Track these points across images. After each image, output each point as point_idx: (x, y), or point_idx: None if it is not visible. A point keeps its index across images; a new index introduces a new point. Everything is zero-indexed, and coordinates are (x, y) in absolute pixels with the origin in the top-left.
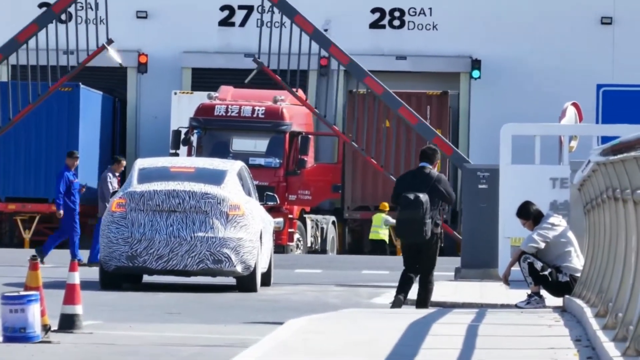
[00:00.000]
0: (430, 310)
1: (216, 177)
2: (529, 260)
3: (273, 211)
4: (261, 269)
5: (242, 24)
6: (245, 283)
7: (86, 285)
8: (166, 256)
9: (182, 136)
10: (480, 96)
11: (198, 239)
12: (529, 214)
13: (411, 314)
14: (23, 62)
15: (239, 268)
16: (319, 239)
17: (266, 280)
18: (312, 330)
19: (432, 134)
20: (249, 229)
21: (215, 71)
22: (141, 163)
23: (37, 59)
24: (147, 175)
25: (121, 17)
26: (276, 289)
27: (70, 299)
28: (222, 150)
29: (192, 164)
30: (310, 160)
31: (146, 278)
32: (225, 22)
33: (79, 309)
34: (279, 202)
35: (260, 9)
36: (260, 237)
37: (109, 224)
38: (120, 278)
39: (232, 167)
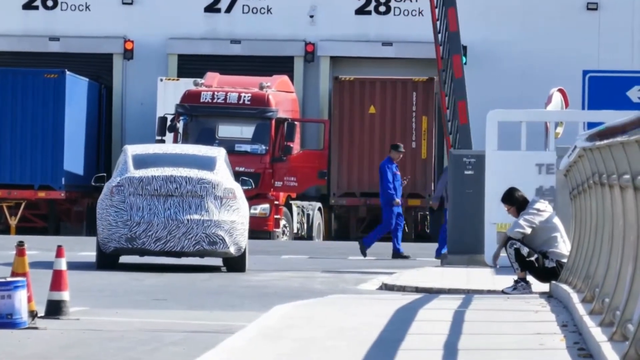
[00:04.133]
0: (416, 295)
1: (207, 163)
2: (515, 246)
3: (259, 197)
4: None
5: (228, 10)
6: (236, 264)
7: (80, 266)
8: (164, 238)
9: (168, 123)
10: (466, 82)
11: (194, 222)
12: (514, 200)
13: (397, 300)
14: (10, 49)
15: (232, 249)
16: (305, 225)
17: (237, 264)
18: (298, 316)
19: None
20: (241, 212)
21: (201, 57)
22: (133, 150)
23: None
24: (142, 161)
25: (107, 3)
26: (262, 275)
27: (57, 285)
28: (208, 137)
29: (182, 151)
30: (296, 146)
31: (135, 260)
32: (211, 9)
33: (65, 295)
34: (254, 186)
35: None
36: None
37: (108, 207)
38: (116, 259)
39: (220, 154)
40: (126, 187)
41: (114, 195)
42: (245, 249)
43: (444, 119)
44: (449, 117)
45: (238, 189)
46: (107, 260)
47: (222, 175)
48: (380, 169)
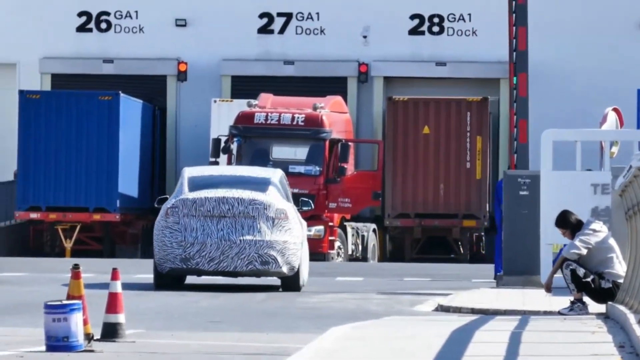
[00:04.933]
0: (472, 317)
1: (261, 185)
2: (571, 267)
3: (313, 219)
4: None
5: (281, 31)
6: (290, 283)
7: (138, 287)
8: (217, 258)
9: (222, 144)
10: None
11: (247, 242)
12: (568, 223)
13: (454, 322)
14: (64, 71)
15: (284, 269)
16: (360, 246)
17: (294, 283)
18: (353, 337)
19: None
20: (293, 232)
21: (254, 78)
22: (190, 172)
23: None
24: (196, 183)
25: (160, 25)
26: (318, 296)
27: (112, 308)
28: (262, 158)
29: (237, 172)
30: (350, 167)
31: (191, 280)
32: (264, 30)
33: (121, 318)
34: (313, 207)
35: (299, 16)
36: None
37: (163, 228)
38: (173, 280)
39: (274, 175)
40: (180, 209)
41: (169, 217)
42: (298, 269)
43: (510, 138)
44: (515, 136)
45: (290, 210)
46: (164, 281)
47: (275, 196)
48: (497, 190)
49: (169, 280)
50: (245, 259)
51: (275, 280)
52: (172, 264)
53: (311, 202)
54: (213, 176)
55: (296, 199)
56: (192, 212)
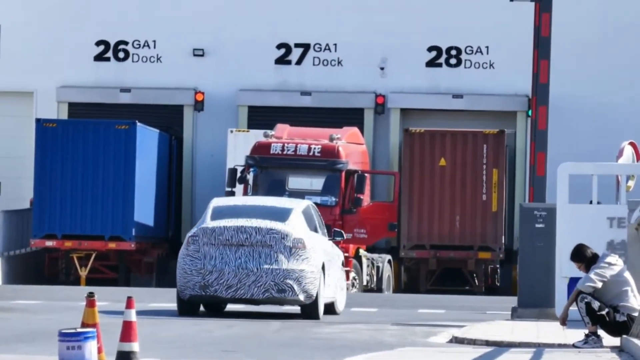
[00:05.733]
0: (487, 349)
1: (282, 214)
2: (586, 300)
3: None
4: (326, 298)
5: (299, 62)
6: (309, 311)
7: (153, 315)
8: (235, 286)
9: (238, 174)
10: None
11: (264, 271)
12: (583, 257)
13: (468, 353)
14: (82, 100)
15: (301, 297)
16: (375, 277)
17: (331, 309)
18: None
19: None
20: (311, 261)
21: (271, 109)
22: (216, 202)
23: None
24: (219, 213)
25: (178, 54)
26: (332, 327)
27: (127, 336)
28: (278, 189)
29: (262, 202)
30: (366, 198)
31: (213, 308)
32: (282, 60)
33: (135, 346)
34: (344, 237)
35: (317, 47)
36: (323, 269)
37: (184, 256)
38: (196, 306)
39: (299, 205)
40: (200, 237)
41: (190, 245)
42: (317, 297)
43: (531, 171)
44: (533, 168)
45: (310, 239)
46: (186, 307)
47: (294, 225)
48: None
49: (191, 306)
50: (262, 287)
51: (297, 309)
52: (192, 291)
53: (343, 232)
54: (237, 206)
55: (329, 230)
56: (211, 241)
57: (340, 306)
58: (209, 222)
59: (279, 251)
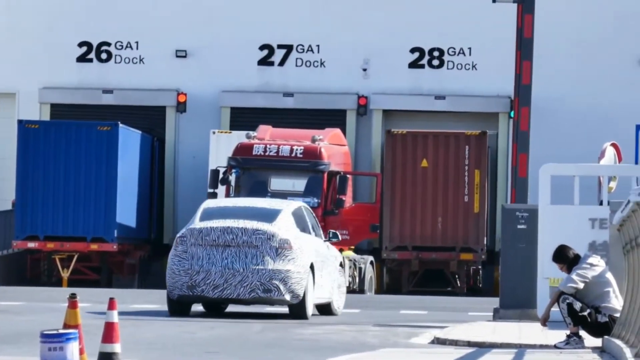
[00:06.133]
0: (468, 350)
1: (270, 216)
2: (568, 301)
3: None
4: (320, 299)
5: (281, 63)
6: (296, 311)
7: (135, 317)
8: (221, 286)
9: (221, 175)
10: None
11: (250, 271)
12: (565, 258)
13: (450, 354)
14: (64, 101)
15: (287, 297)
16: (357, 279)
17: (329, 310)
18: None
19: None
20: (297, 261)
21: (253, 110)
22: (207, 204)
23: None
24: (209, 214)
25: (160, 56)
26: (314, 328)
27: (108, 338)
28: (260, 190)
29: (251, 204)
30: (348, 200)
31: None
32: (264, 62)
33: (117, 347)
34: (340, 239)
35: (299, 48)
36: (313, 270)
37: (173, 257)
38: (186, 306)
39: (289, 207)
40: (188, 238)
41: (178, 246)
42: (304, 297)
43: (513, 172)
44: (515, 170)
45: (297, 240)
46: (176, 308)
47: (281, 226)
48: None
49: (181, 306)
50: (248, 287)
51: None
52: (179, 291)
53: (338, 233)
54: (227, 207)
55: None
56: (199, 242)
57: (338, 307)
58: (197, 223)
59: (265, 252)
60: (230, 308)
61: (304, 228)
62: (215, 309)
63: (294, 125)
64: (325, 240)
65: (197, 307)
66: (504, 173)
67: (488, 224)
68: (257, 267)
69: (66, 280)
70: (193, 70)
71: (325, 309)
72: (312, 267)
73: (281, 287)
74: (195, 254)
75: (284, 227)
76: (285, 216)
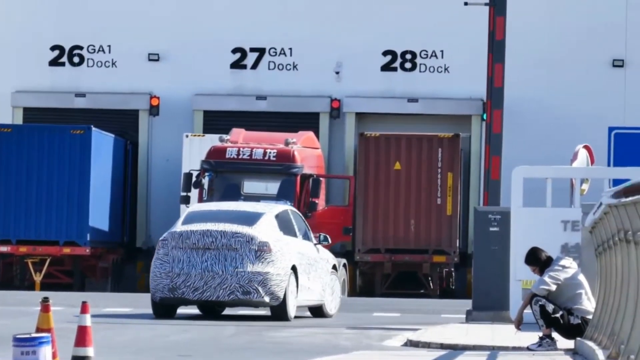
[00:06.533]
0: (441, 352)
1: (252, 219)
2: (540, 303)
3: None
4: (307, 301)
5: (254, 66)
6: (277, 312)
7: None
8: (201, 288)
9: (194, 179)
10: None
11: (229, 273)
12: (537, 260)
13: (422, 357)
14: (37, 105)
15: (267, 299)
16: None
17: (320, 312)
18: None
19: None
20: (277, 264)
21: (227, 113)
22: (192, 208)
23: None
24: (192, 218)
25: (133, 59)
26: (287, 331)
27: (81, 341)
28: (233, 193)
29: (235, 207)
30: (321, 202)
31: (187, 310)
32: (237, 65)
33: (90, 351)
34: (330, 241)
35: (272, 51)
36: (296, 272)
37: (155, 260)
38: (170, 309)
39: (273, 210)
40: (169, 241)
41: (160, 249)
42: (284, 299)
43: (485, 174)
44: (487, 172)
45: (277, 243)
46: (160, 310)
47: (261, 229)
48: None
49: (165, 309)
50: (227, 289)
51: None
52: (161, 294)
53: (328, 237)
54: (211, 211)
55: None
56: (179, 245)
57: (330, 309)
58: (179, 227)
59: (244, 254)
60: (227, 311)
61: (289, 231)
62: (212, 311)
63: (267, 128)
64: (315, 244)
65: (194, 310)
66: (477, 175)
67: (461, 226)
68: (236, 269)
69: (39, 284)
70: (166, 73)
71: (317, 311)
72: (294, 269)
73: (260, 289)
74: (176, 257)
75: (264, 230)
76: (268, 219)
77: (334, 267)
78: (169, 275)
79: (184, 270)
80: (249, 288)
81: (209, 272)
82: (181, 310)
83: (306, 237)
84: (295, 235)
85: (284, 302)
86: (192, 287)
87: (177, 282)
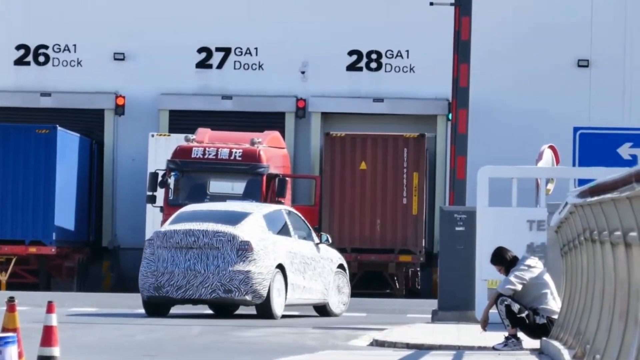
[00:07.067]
0: (407, 352)
1: (237, 218)
2: (506, 303)
3: None
4: (305, 300)
5: (220, 66)
6: (262, 310)
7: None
8: (184, 287)
9: (160, 178)
10: None
11: (211, 272)
12: (503, 260)
13: (388, 356)
14: (2, 104)
15: (248, 297)
16: None
17: (324, 311)
18: None
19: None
20: (259, 263)
21: (192, 113)
22: (185, 209)
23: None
24: (181, 218)
25: (98, 59)
26: (253, 330)
27: (47, 341)
28: (199, 193)
29: (225, 207)
30: (287, 202)
31: (179, 310)
32: (203, 64)
33: (56, 351)
34: (330, 241)
35: (237, 51)
36: (284, 271)
37: (143, 259)
38: (161, 307)
39: (261, 210)
40: (155, 241)
41: (147, 248)
42: (268, 297)
43: (450, 174)
44: (453, 172)
45: (261, 242)
46: (149, 308)
47: (244, 229)
48: None
49: (154, 307)
50: (209, 288)
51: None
52: (148, 292)
53: (328, 236)
54: (200, 211)
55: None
56: (164, 244)
57: (336, 308)
58: (165, 226)
59: (225, 253)
60: (240, 310)
61: (281, 230)
62: (222, 310)
63: (233, 128)
64: (317, 243)
65: (206, 310)
66: (443, 175)
67: (426, 226)
68: (218, 268)
69: (4, 283)
70: (131, 73)
71: (322, 310)
72: (281, 267)
73: (242, 287)
74: (161, 256)
75: (247, 230)
76: (254, 219)
77: (342, 266)
78: (154, 274)
79: (167, 269)
80: (230, 286)
81: (192, 270)
82: (192, 309)
83: (307, 237)
84: (289, 234)
85: (267, 300)
86: (175, 286)
87: (161, 281)
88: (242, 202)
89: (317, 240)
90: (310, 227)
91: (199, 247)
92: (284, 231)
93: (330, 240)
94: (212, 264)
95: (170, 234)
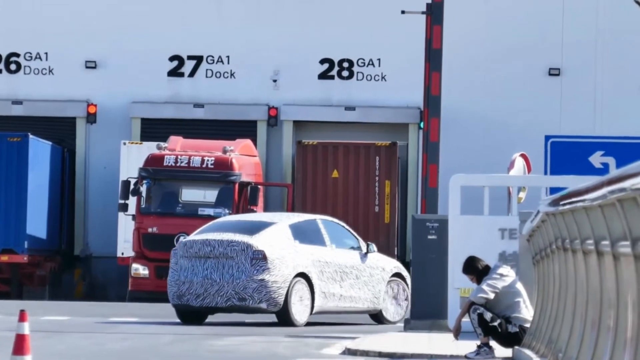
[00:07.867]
0: None
1: (257, 228)
2: (478, 311)
3: None
4: (346, 308)
5: (191, 74)
6: (281, 318)
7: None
8: (202, 295)
9: (132, 186)
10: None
11: (225, 281)
12: (475, 269)
13: None
14: None
15: (263, 305)
16: None
17: (378, 318)
18: None
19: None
20: (273, 272)
21: (164, 121)
22: (220, 219)
23: None
24: (208, 228)
25: (70, 67)
26: (226, 339)
27: (19, 350)
28: (171, 201)
29: (249, 218)
30: (259, 210)
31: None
32: (175, 72)
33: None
34: (375, 250)
35: (209, 59)
36: (309, 280)
37: (169, 268)
38: (198, 314)
39: (288, 219)
40: (178, 251)
41: (172, 258)
42: (286, 305)
43: (422, 182)
44: (425, 180)
45: (274, 252)
46: (181, 315)
47: (261, 239)
48: None
49: (190, 316)
50: (225, 296)
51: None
52: (173, 300)
53: (374, 245)
54: (230, 222)
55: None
56: (185, 254)
57: (390, 316)
58: (190, 237)
59: (240, 262)
60: (261, 318)
61: (312, 240)
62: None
63: (205, 136)
64: (365, 253)
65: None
66: (415, 183)
67: (399, 234)
68: (233, 277)
69: None
70: (103, 81)
71: (376, 318)
72: (304, 276)
73: (255, 296)
74: (182, 266)
75: (264, 239)
76: (277, 229)
77: (398, 275)
78: (177, 283)
79: (187, 278)
80: (244, 295)
81: (209, 279)
82: (227, 317)
83: (354, 246)
84: (322, 243)
85: (285, 308)
86: (194, 294)
87: (182, 290)
88: (275, 213)
89: (365, 249)
90: (358, 237)
91: (215, 257)
92: (315, 240)
93: (375, 249)
94: (227, 273)
95: (190, 243)
